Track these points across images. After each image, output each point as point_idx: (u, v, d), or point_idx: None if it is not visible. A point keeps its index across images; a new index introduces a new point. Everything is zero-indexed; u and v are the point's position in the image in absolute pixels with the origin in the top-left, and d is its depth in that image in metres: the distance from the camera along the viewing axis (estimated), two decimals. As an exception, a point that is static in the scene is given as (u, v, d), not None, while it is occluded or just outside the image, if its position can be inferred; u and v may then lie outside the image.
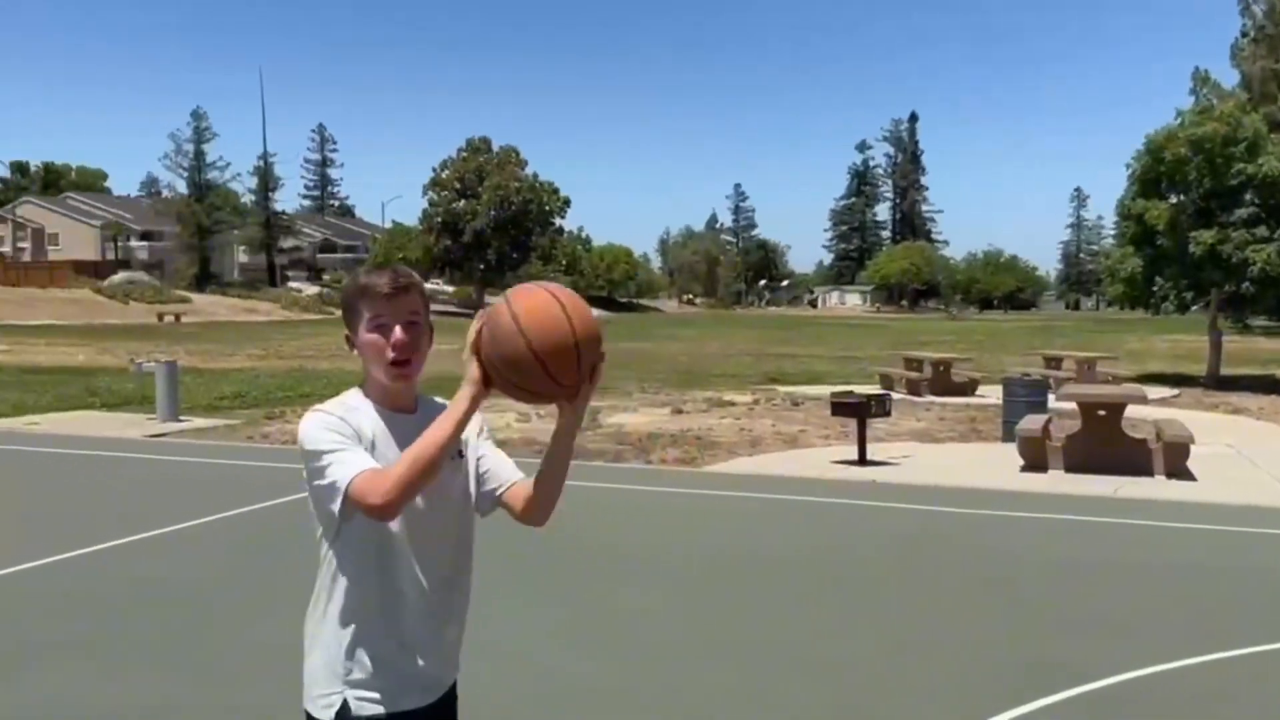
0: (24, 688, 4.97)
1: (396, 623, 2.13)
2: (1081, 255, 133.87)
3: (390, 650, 2.12)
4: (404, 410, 2.18)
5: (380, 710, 2.11)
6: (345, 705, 2.10)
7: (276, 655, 5.35)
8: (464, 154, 78.37)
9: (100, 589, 6.71)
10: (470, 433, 2.23)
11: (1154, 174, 21.86)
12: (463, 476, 2.23)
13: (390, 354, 2.12)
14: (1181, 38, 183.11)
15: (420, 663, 2.16)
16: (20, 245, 78.65)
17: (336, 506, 2.03)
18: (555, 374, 1.96)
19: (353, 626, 2.11)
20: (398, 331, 2.12)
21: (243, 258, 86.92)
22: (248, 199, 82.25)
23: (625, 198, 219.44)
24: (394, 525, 2.09)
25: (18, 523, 8.83)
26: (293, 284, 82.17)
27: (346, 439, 2.07)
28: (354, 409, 2.14)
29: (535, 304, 1.97)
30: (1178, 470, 10.81)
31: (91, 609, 6.26)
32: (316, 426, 2.09)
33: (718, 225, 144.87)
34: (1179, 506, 9.45)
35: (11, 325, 42.83)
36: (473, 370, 1.99)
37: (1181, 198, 21.88)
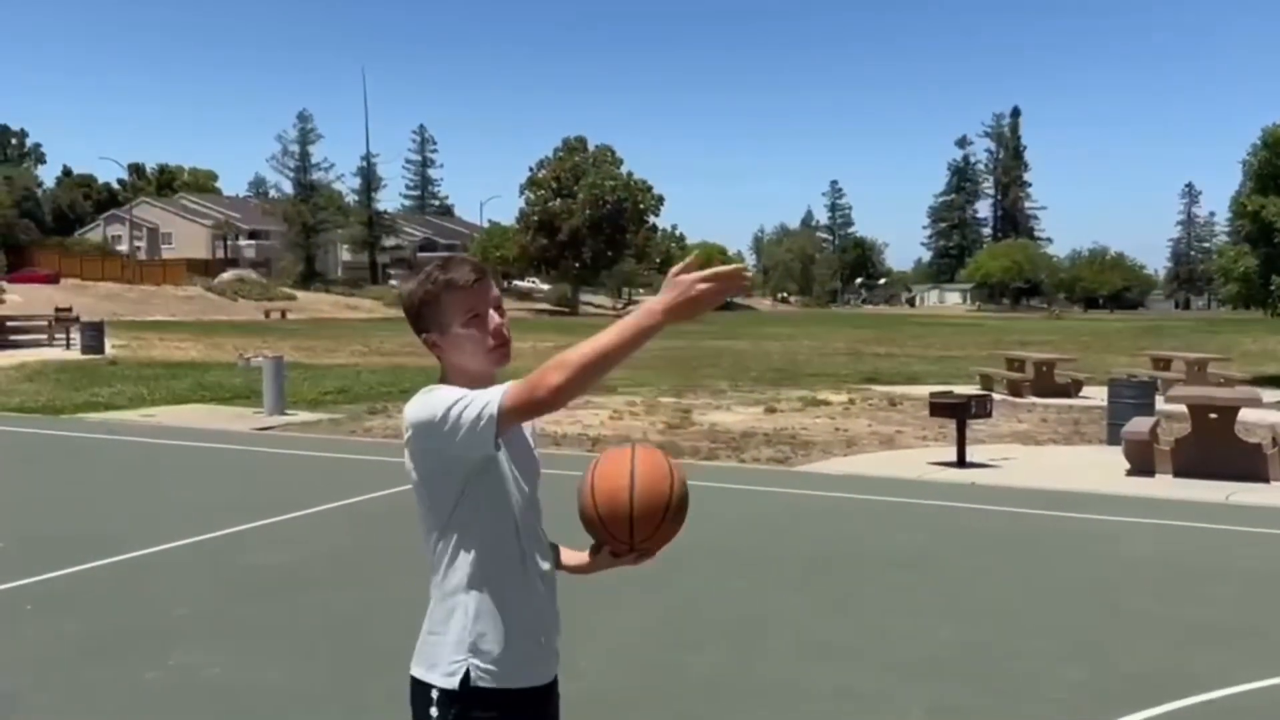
0: (155, 665, 5.19)
1: (523, 597, 2.15)
2: (1192, 253, 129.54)
3: (515, 625, 2.13)
4: None
5: (499, 684, 2.11)
6: (467, 675, 2.10)
7: (382, 643, 5.50)
8: (560, 153, 79.16)
9: (213, 576, 6.96)
10: (527, 428, 2.26)
11: (1272, 169, 21.06)
12: (534, 454, 2.28)
13: (491, 341, 2.15)
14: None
15: (541, 640, 2.19)
16: (137, 244, 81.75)
17: (490, 434, 1.97)
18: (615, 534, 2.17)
19: (482, 596, 2.11)
20: (494, 318, 2.15)
21: (346, 256, 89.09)
22: (351, 199, 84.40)
23: (720, 195, 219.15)
24: (512, 498, 2.14)
25: (137, 511, 9.20)
26: (394, 282, 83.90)
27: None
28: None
29: (608, 471, 2.19)
30: (1295, 477, 10.40)
31: (206, 596, 6.50)
32: (435, 395, 2.05)
33: (813, 223, 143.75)
34: (1296, 514, 9.09)
35: (129, 321, 44.58)
36: (661, 301, 1.92)
37: (1301, 193, 21.03)
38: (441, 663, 2.12)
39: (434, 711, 2.11)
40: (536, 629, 2.17)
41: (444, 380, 2.16)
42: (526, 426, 2.23)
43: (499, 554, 2.13)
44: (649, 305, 1.93)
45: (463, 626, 2.11)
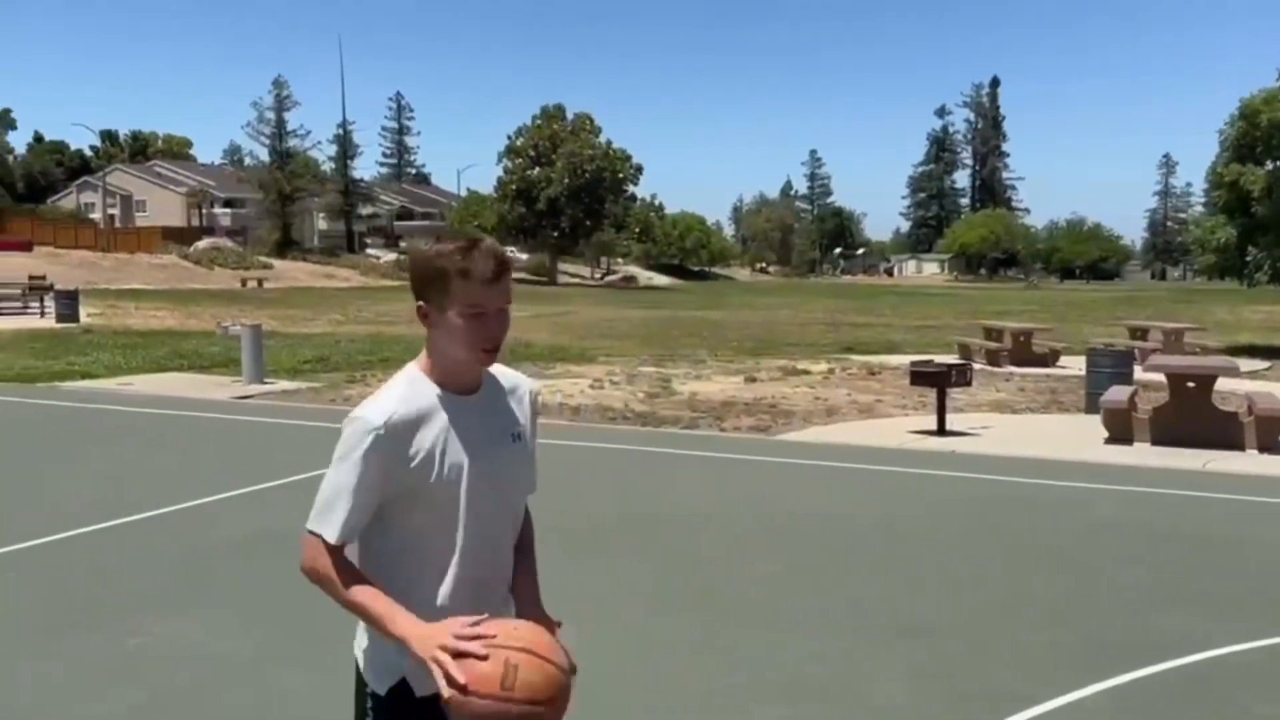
0: (138, 632, 5.17)
1: (457, 607, 2.09)
2: (1169, 224, 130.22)
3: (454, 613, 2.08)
4: (467, 391, 2.12)
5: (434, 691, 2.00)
6: (405, 683, 2.09)
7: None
8: (538, 122, 78.58)
9: (194, 543, 6.92)
10: (525, 421, 2.23)
11: (1249, 139, 21.14)
12: (524, 458, 2.22)
13: (484, 344, 2.06)
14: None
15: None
16: (111, 212, 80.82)
17: (304, 529, 2.09)
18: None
19: (412, 607, 2.03)
20: (493, 323, 2.05)
21: (322, 224, 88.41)
22: (327, 166, 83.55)
23: (699, 165, 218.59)
24: (440, 517, 2.08)
25: (114, 479, 9.14)
26: (370, 250, 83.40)
27: (368, 479, 2.02)
28: (408, 400, 2.06)
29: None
30: (1270, 444, 10.50)
31: (186, 562, 6.46)
32: (357, 440, 2.02)
33: (792, 192, 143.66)
34: (1271, 481, 9.19)
35: (104, 289, 44.14)
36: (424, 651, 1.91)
37: (1279, 163, 21.13)
38: (373, 662, 2.13)
39: (369, 705, 2.13)
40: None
41: (427, 351, 2.12)
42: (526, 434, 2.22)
43: (427, 566, 2.10)
44: (399, 624, 1.96)
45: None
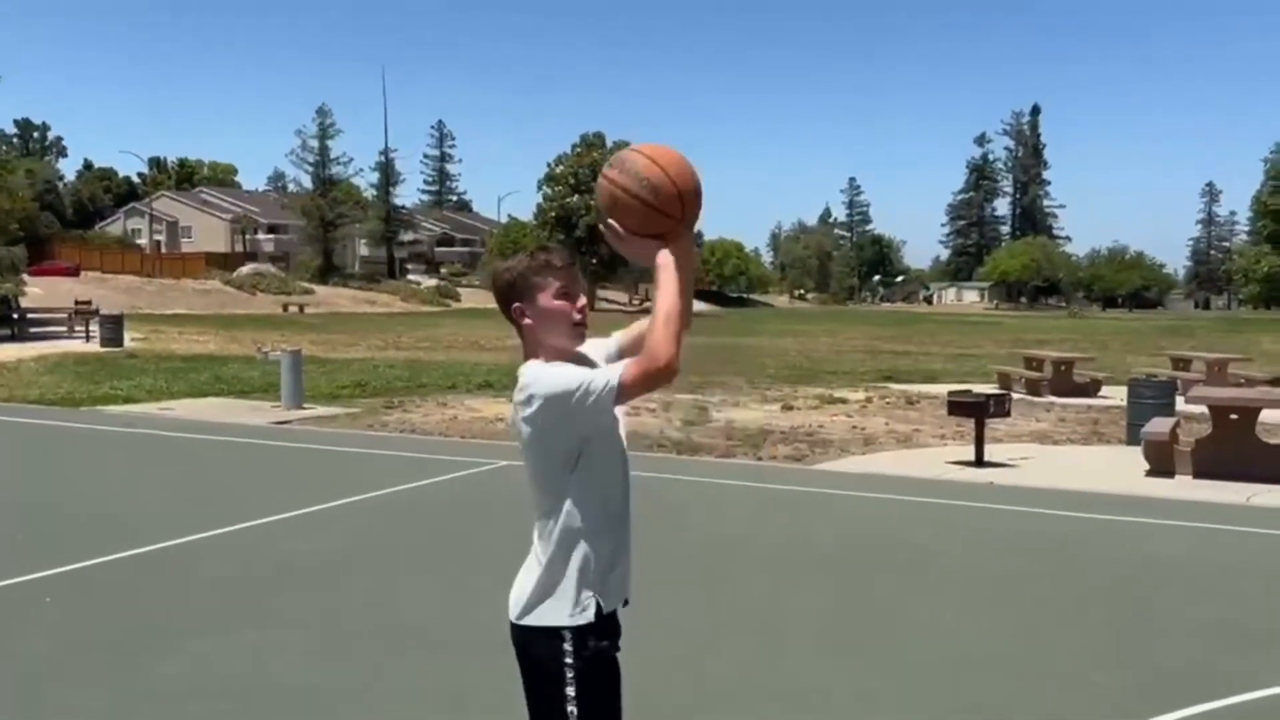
0: (173, 657, 5.21)
1: (620, 533, 2.51)
2: (1213, 253, 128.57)
3: (619, 555, 2.51)
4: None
5: (618, 602, 2.53)
6: (599, 605, 2.44)
7: (405, 635, 5.50)
8: (578, 150, 79.08)
9: (234, 567, 6.97)
10: (605, 353, 2.61)
11: (1295, 168, 20.83)
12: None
13: (576, 315, 2.44)
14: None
15: (627, 566, 2.55)
16: (156, 237, 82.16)
17: (610, 406, 2.30)
18: (680, 199, 2.35)
19: (596, 539, 2.44)
20: (581, 298, 2.45)
21: (364, 250, 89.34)
22: (369, 193, 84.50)
23: (737, 192, 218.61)
24: (617, 457, 2.49)
25: (150, 504, 9.24)
26: (411, 276, 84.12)
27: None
28: (563, 363, 2.42)
29: (659, 150, 2.40)
30: (1317, 479, 10.29)
31: (222, 588, 6.51)
32: (561, 372, 2.34)
33: (831, 219, 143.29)
34: (1318, 517, 9.00)
35: (148, 314, 44.80)
36: (651, 243, 2.35)
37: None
38: (565, 604, 2.43)
39: (568, 652, 2.41)
40: (627, 555, 2.54)
41: (528, 356, 2.46)
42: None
43: (608, 502, 2.47)
44: (659, 257, 2.34)
45: (583, 566, 2.42)
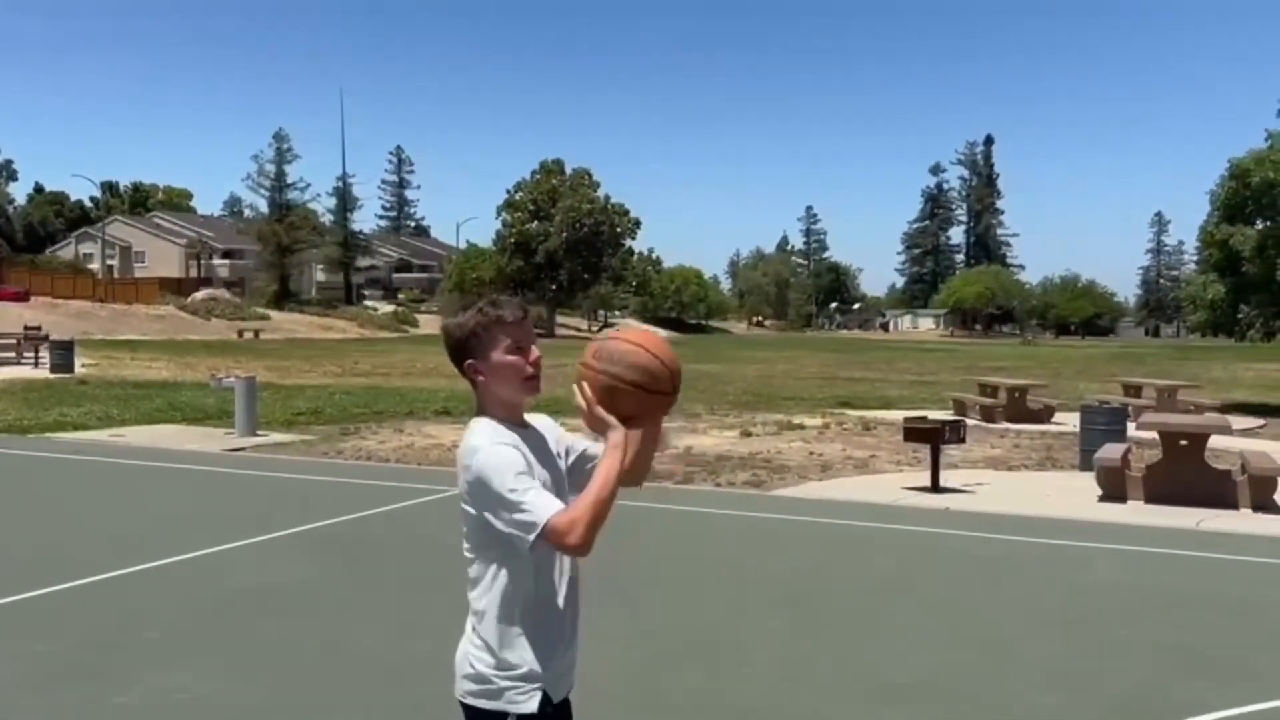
0: (125, 688, 5.11)
1: (558, 621, 2.44)
2: (1162, 281, 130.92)
3: (560, 642, 2.44)
4: (521, 425, 2.45)
5: (564, 693, 2.46)
6: (546, 695, 2.38)
7: (356, 660, 5.43)
8: (537, 176, 79.26)
9: (183, 598, 6.86)
10: (559, 444, 2.56)
11: (1239, 199, 21.35)
12: (562, 474, 2.55)
13: (529, 370, 2.42)
14: (1268, 58, 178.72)
15: (574, 646, 2.51)
16: (109, 262, 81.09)
17: (530, 541, 2.24)
18: (673, 378, 2.41)
19: (538, 622, 2.39)
20: (534, 351, 2.43)
21: (321, 276, 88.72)
22: (326, 219, 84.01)
23: (696, 220, 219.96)
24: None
25: (106, 532, 9.08)
26: (369, 302, 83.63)
27: (532, 477, 2.30)
28: (500, 430, 2.37)
29: (637, 334, 2.47)
30: (1264, 503, 10.48)
31: (176, 617, 6.40)
32: (505, 462, 2.29)
33: (788, 247, 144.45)
34: (1265, 541, 9.16)
35: (100, 340, 44.16)
36: (611, 418, 2.34)
37: (1269, 223, 21.31)
38: (508, 688, 2.37)
39: None
40: (571, 643, 2.49)
41: (481, 410, 2.43)
42: (559, 451, 2.55)
43: (541, 590, 2.40)
44: (613, 439, 2.33)
45: (526, 649, 2.38)
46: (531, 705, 2.37)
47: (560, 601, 2.43)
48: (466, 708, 2.42)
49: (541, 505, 2.24)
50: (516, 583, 2.37)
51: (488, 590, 2.40)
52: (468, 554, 2.43)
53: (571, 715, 2.53)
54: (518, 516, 2.24)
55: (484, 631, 2.40)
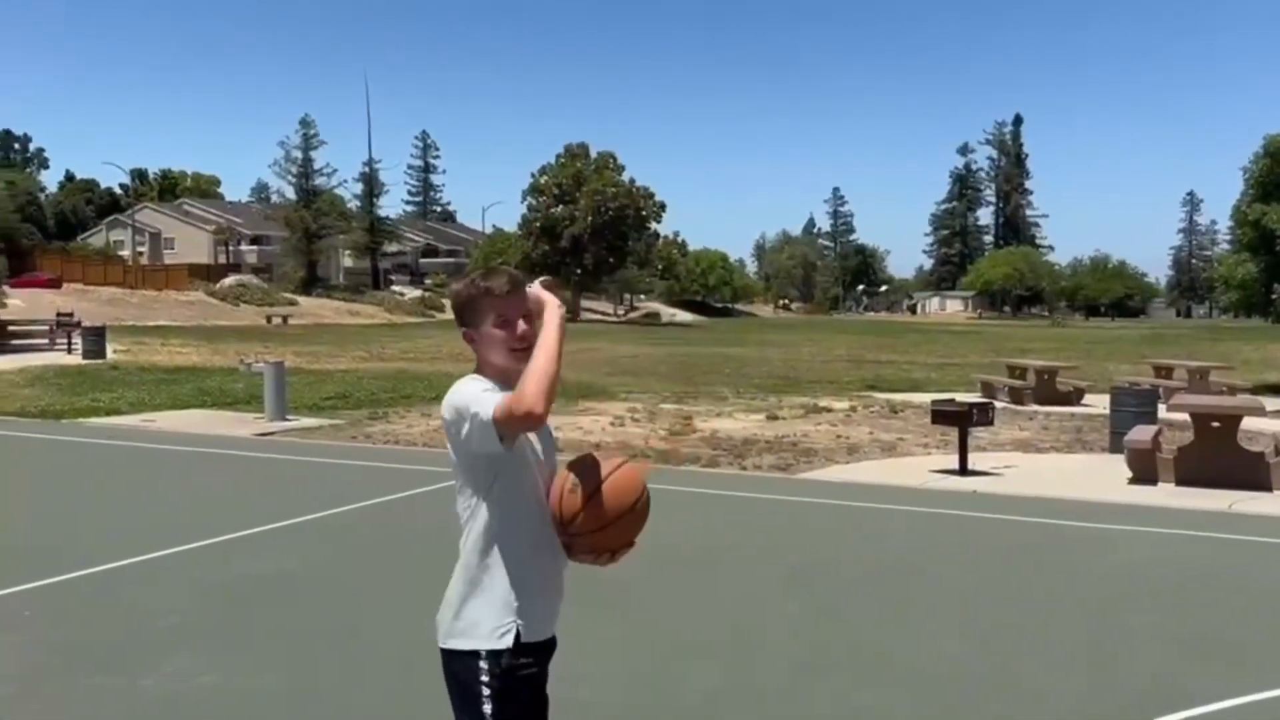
0: (152, 672, 5.17)
1: (545, 561, 2.53)
2: (1194, 261, 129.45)
3: (544, 584, 2.54)
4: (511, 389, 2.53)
5: (540, 637, 2.53)
6: (519, 633, 2.46)
7: (377, 646, 5.47)
8: (562, 160, 79.07)
9: (211, 582, 6.92)
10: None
11: (1273, 177, 21.04)
12: (552, 440, 2.71)
13: (514, 344, 2.53)
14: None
15: (555, 596, 2.59)
16: (139, 249, 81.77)
17: (496, 432, 2.35)
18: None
19: (517, 565, 2.48)
20: (520, 325, 2.54)
21: (348, 262, 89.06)
22: (353, 204, 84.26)
23: (722, 202, 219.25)
24: (534, 477, 2.52)
25: (132, 517, 9.18)
26: (395, 287, 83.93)
27: (495, 394, 2.43)
28: (491, 384, 2.49)
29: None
30: (1298, 486, 10.36)
31: (204, 601, 6.47)
32: (474, 388, 2.45)
33: (815, 230, 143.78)
34: (1299, 523, 9.05)
35: (131, 326, 44.56)
36: (550, 296, 2.54)
37: (1304, 202, 21.00)
38: (483, 628, 2.46)
39: (484, 674, 2.44)
40: (556, 585, 2.59)
41: (478, 369, 2.57)
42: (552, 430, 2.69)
43: (527, 528, 2.50)
44: (552, 313, 2.51)
45: (506, 589, 2.46)
46: (505, 643, 2.44)
47: (537, 544, 2.51)
48: (445, 653, 2.50)
49: (493, 399, 2.37)
50: (494, 521, 2.47)
51: (468, 534, 2.51)
52: (459, 498, 2.55)
53: (549, 658, 2.60)
54: (477, 416, 2.36)
55: (463, 572, 2.51)
